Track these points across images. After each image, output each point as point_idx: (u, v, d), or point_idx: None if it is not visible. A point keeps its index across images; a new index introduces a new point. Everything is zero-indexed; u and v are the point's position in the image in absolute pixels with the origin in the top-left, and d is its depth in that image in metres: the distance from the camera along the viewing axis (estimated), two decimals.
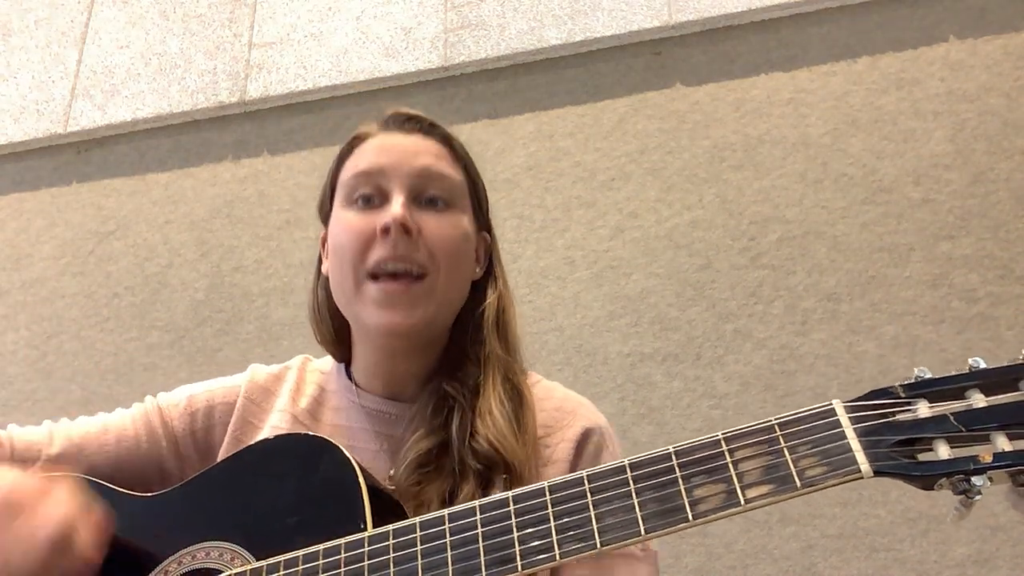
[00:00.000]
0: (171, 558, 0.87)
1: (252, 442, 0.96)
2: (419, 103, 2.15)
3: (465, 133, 1.98)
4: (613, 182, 1.96)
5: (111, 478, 0.97)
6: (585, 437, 0.96)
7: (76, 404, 2.09)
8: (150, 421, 1.03)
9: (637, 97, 2.01)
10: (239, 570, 0.82)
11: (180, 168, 2.29)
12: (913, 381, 0.67)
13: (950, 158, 1.79)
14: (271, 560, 0.80)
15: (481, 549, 0.73)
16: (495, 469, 0.88)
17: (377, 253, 0.93)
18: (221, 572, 0.83)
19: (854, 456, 0.65)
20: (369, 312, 0.94)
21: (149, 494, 0.94)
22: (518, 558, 0.71)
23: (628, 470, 0.71)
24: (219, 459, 0.98)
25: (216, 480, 0.91)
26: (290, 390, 1.03)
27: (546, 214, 1.96)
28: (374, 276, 0.94)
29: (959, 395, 0.65)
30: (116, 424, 1.03)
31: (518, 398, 0.96)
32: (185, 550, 0.87)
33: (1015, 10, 1.85)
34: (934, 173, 1.79)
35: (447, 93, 2.12)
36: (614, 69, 2.05)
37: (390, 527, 0.77)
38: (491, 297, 1.02)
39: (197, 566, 0.85)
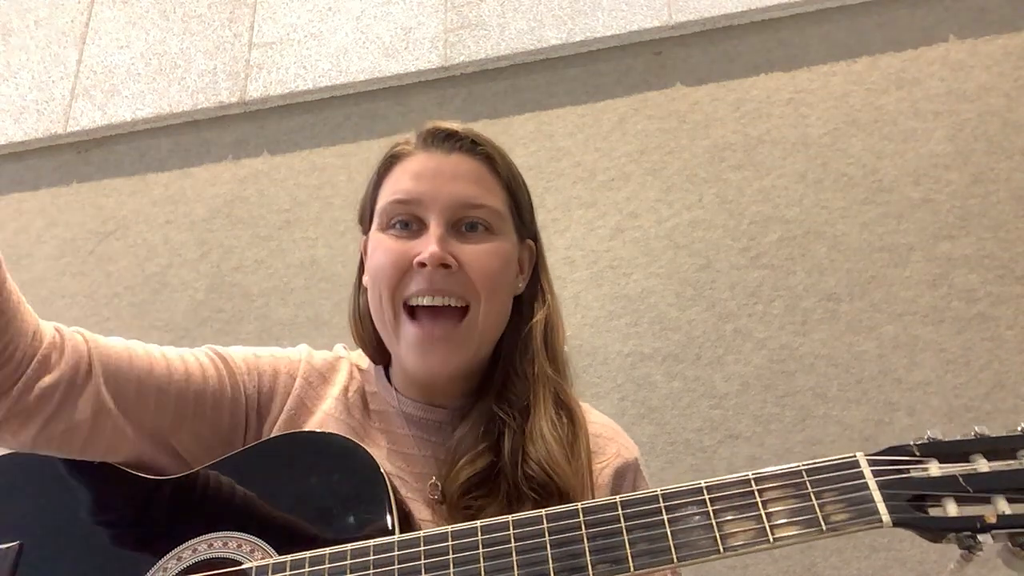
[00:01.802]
0: (185, 544, 0.86)
1: (298, 429, 0.95)
2: (419, 103, 2.16)
3: None
4: (613, 182, 1.96)
5: (193, 404, 0.93)
6: (624, 470, 0.97)
7: None
8: (218, 366, 0.97)
9: (637, 97, 2.01)
10: (262, 563, 0.82)
11: (180, 168, 2.29)
12: (926, 442, 0.74)
13: (950, 158, 1.79)
14: (296, 556, 0.80)
15: (515, 563, 0.74)
16: (550, 496, 0.88)
17: (414, 285, 0.92)
18: (240, 563, 0.83)
19: (876, 507, 0.71)
20: (407, 354, 0.93)
21: (164, 477, 0.92)
22: (552, 575, 0.73)
23: (661, 500, 0.74)
24: (271, 434, 0.96)
25: (240, 468, 0.90)
26: (343, 381, 1.02)
27: (546, 214, 1.96)
28: (411, 310, 0.93)
29: (964, 458, 0.72)
30: (178, 358, 0.96)
31: (571, 420, 0.95)
32: (201, 537, 0.86)
33: (1015, 10, 1.85)
34: (934, 173, 1.79)
35: (447, 93, 2.12)
36: (614, 69, 2.05)
37: (420, 533, 0.78)
38: (539, 315, 1.00)
39: (215, 555, 0.85)
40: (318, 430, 0.95)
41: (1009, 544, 0.68)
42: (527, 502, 0.87)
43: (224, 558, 0.84)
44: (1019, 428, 0.72)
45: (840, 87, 1.90)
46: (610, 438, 1.00)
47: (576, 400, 0.99)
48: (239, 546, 0.84)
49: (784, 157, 1.88)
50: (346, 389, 1.01)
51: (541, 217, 1.95)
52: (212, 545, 0.85)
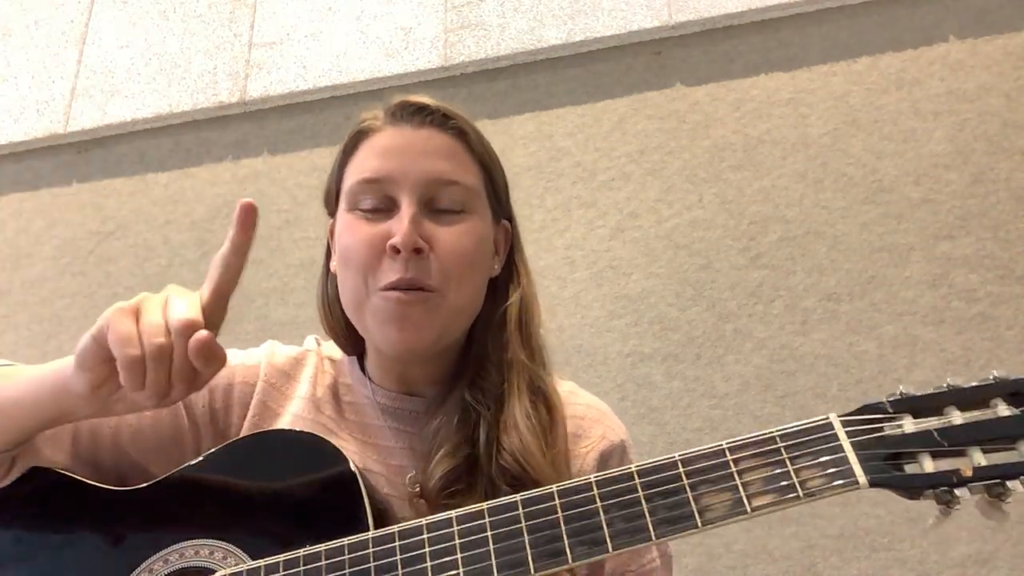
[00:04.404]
0: (157, 555, 0.85)
1: (259, 430, 0.93)
2: None
3: None
4: (613, 182, 1.96)
5: (129, 444, 0.93)
6: (610, 453, 0.93)
7: None
8: None
9: (637, 97, 2.01)
10: (235, 569, 0.80)
11: (180, 168, 2.29)
12: (898, 397, 0.73)
13: (950, 158, 1.79)
14: (270, 560, 0.79)
15: (492, 552, 0.72)
16: (524, 488, 0.83)
17: (387, 273, 0.88)
18: (214, 571, 0.82)
19: (852, 468, 0.69)
20: (377, 328, 0.89)
21: (131, 487, 0.90)
22: (530, 560, 0.71)
23: (636, 477, 0.73)
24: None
25: (210, 473, 0.88)
26: (310, 377, 0.99)
27: (546, 214, 1.96)
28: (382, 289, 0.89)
29: (939, 411, 0.71)
30: None
31: (546, 409, 0.92)
32: (173, 547, 0.84)
33: (1015, 10, 1.85)
34: (934, 173, 1.79)
35: (447, 93, 2.12)
36: (614, 69, 2.04)
37: (395, 528, 0.76)
38: (513, 297, 0.96)
39: (187, 564, 0.83)
40: (287, 428, 0.93)
41: (986, 495, 0.67)
42: (500, 496, 0.83)
43: (197, 567, 0.83)
44: (991, 376, 0.71)
45: (840, 87, 1.90)
46: (596, 420, 0.96)
47: (553, 386, 0.95)
48: (211, 553, 0.83)
49: (784, 157, 1.88)
50: (314, 385, 0.98)
51: (541, 217, 1.96)
52: (184, 555, 0.84)
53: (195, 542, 0.84)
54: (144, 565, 0.85)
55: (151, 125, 2.33)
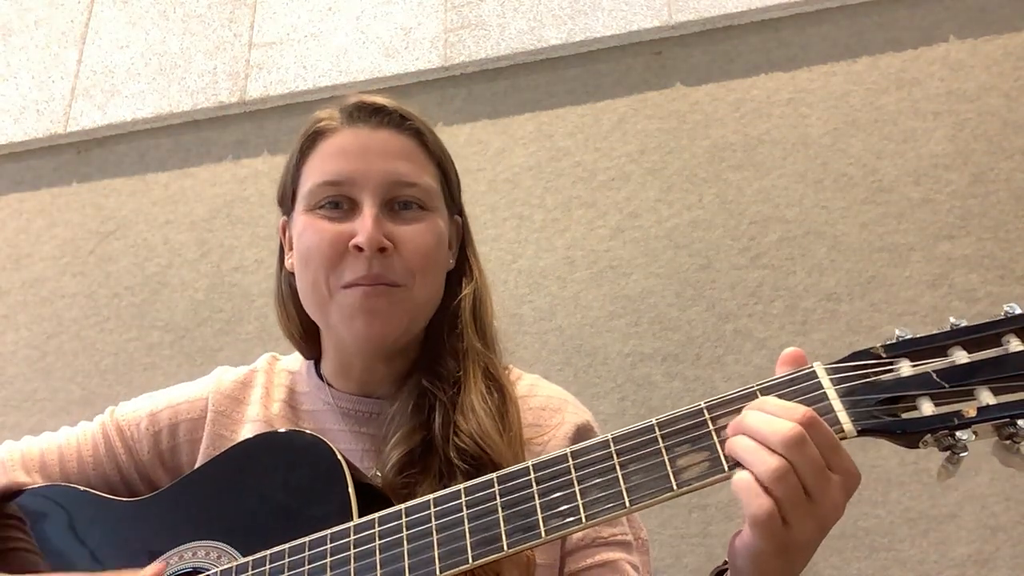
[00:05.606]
0: (159, 559, 0.87)
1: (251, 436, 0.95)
2: (419, 103, 2.15)
3: (465, 133, 1.99)
4: (613, 182, 1.96)
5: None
6: (579, 436, 0.94)
7: (76, 404, 2.09)
8: (111, 442, 1.00)
9: (637, 97, 2.01)
10: (226, 567, 0.82)
11: (180, 168, 2.29)
12: (894, 341, 0.67)
13: (950, 158, 1.79)
14: (257, 555, 0.80)
15: (467, 531, 0.72)
16: (482, 468, 0.85)
17: (351, 271, 0.89)
18: (209, 570, 0.84)
19: (836, 416, 0.65)
20: (344, 323, 0.91)
21: (136, 498, 0.94)
22: (503, 538, 0.70)
23: (612, 444, 0.71)
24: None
25: (202, 481, 0.91)
26: (260, 397, 1.00)
27: (546, 214, 1.96)
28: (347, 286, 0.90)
29: (941, 353, 0.65)
30: (78, 441, 1.01)
31: (501, 394, 0.94)
32: (173, 551, 0.87)
33: (1015, 10, 1.85)
34: (934, 173, 1.79)
35: (447, 93, 2.12)
36: (614, 69, 2.05)
37: (375, 515, 0.77)
38: (467, 289, 0.99)
39: (186, 566, 0.86)
40: (270, 431, 0.95)
41: (998, 438, 0.60)
42: (458, 476, 0.85)
43: (195, 568, 0.85)
44: (1003, 312, 0.63)
45: (840, 87, 1.90)
46: (556, 409, 0.97)
47: (505, 373, 0.97)
48: (207, 554, 0.85)
49: (784, 157, 1.88)
50: (265, 405, 0.99)
51: (541, 217, 1.96)
52: (183, 557, 0.86)
53: (192, 544, 0.86)
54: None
55: (151, 125, 2.33)
